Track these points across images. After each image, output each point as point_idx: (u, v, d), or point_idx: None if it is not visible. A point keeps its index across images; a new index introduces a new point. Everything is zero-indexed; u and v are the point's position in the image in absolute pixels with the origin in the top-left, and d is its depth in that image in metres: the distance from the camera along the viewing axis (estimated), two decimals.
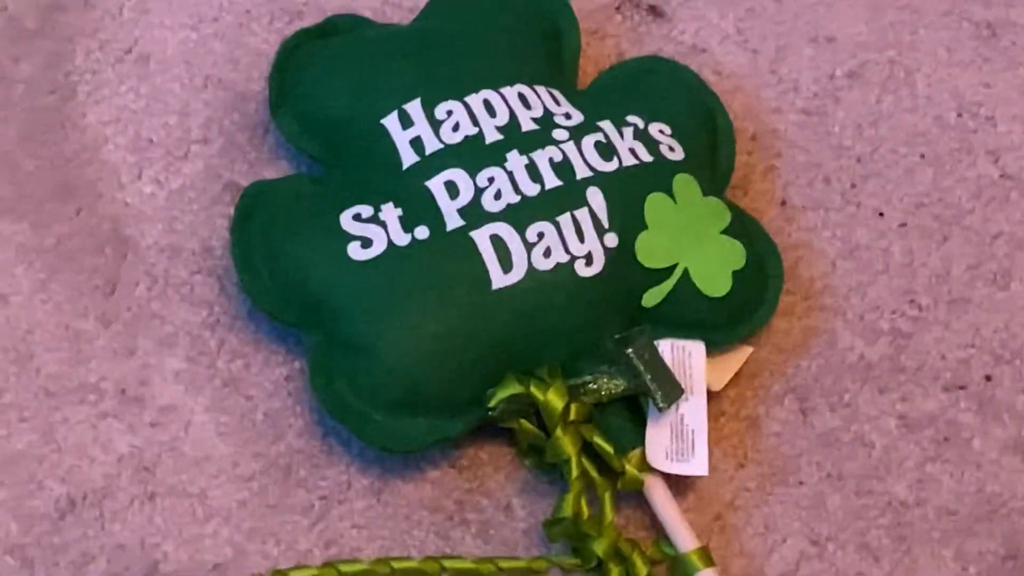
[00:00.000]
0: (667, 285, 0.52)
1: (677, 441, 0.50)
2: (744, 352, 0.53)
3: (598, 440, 0.48)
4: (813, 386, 0.55)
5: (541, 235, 0.49)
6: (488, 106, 0.52)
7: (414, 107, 0.52)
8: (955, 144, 0.57)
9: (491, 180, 0.50)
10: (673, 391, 0.49)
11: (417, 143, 0.51)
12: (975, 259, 0.56)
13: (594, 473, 0.48)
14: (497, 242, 0.49)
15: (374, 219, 0.50)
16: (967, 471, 0.51)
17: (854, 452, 0.54)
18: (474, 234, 0.49)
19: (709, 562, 0.48)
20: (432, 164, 0.51)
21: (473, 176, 0.50)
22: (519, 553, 0.50)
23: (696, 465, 0.49)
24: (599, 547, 0.47)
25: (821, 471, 0.53)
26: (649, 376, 0.49)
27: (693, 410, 0.50)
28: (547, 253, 0.50)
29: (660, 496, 0.49)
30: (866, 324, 0.56)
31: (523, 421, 0.49)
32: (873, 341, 0.56)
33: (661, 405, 0.49)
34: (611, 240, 0.51)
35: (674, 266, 0.52)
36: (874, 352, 0.55)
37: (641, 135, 0.54)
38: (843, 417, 0.54)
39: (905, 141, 0.59)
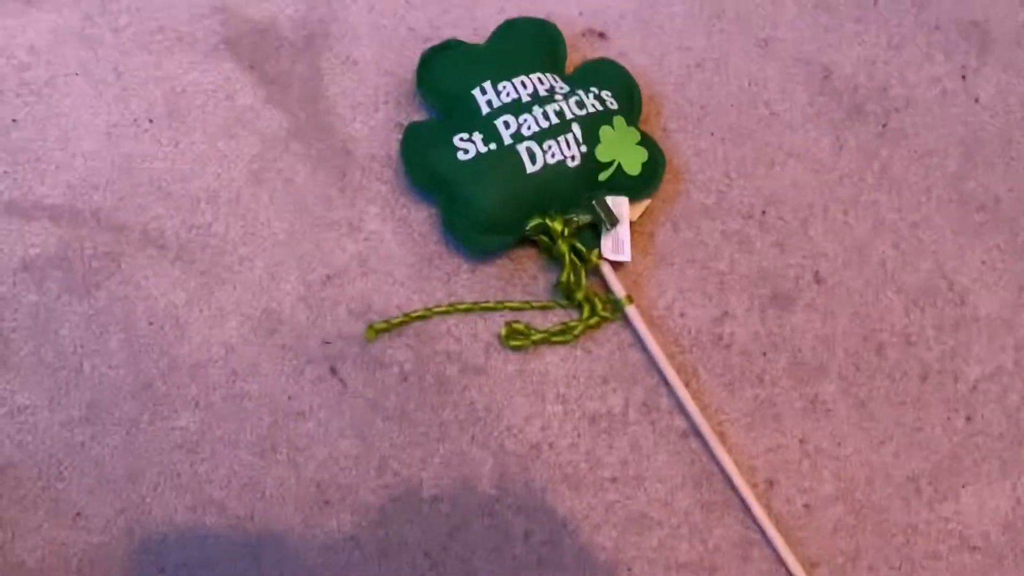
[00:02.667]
0: (610, 170, 0.68)
1: (615, 243, 0.68)
2: (646, 202, 0.70)
3: (577, 244, 0.67)
4: (679, 216, 0.71)
5: (550, 147, 0.66)
6: (523, 83, 0.68)
7: (487, 85, 0.68)
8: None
9: (525, 120, 0.66)
10: (613, 220, 0.67)
11: (488, 103, 0.67)
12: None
13: (576, 260, 0.67)
14: (528, 151, 0.66)
15: (469, 139, 0.66)
16: None
17: (698, 245, 0.69)
18: (518, 147, 0.66)
19: (630, 301, 0.67)
20: (496, 113, 0.67)
21: (516, 118, 0.67)
22: (541, 299, 0.68)
23: (625, 255, 0.68)
24: (579, 295, 0.67)
25: (681, 256, 0.69)
26: (602, 213, 0.66)
27: (622, 229, 0.68)
28: (553, 155, 0.66)
29: (607, 270, 0.67)
30: (702, 186, 0.71)
31: (542, 236, 0.67)
32: (708, 195, 0.71)
33: (608, 227, 0.67)
34: (584, 149, 0.66)
35: (614, 161, 0.68)
36: (708, 199, 0.71)
37: (597, 97, 0.68)
38: (693, 228, 0.71)
39: (733, 92, 0.71)
